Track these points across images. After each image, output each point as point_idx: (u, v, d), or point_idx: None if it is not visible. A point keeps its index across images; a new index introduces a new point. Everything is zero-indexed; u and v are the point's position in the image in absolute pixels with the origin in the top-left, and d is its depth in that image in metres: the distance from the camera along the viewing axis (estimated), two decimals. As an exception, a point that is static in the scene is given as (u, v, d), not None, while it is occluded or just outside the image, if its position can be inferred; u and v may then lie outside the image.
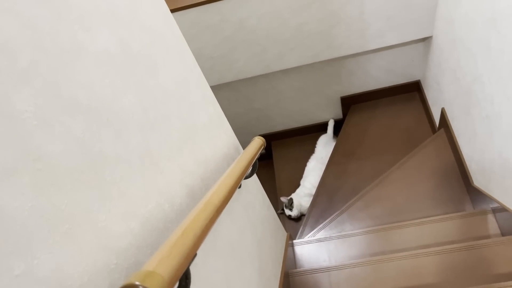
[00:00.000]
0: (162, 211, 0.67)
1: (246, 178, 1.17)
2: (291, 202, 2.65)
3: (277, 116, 2.85)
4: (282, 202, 2.72)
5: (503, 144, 1.56)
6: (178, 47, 0.88)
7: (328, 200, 2.50)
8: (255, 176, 1.46)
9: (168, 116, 0.75)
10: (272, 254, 1.48)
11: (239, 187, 1.16)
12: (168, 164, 0.72)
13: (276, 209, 2.89)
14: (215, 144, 1.02)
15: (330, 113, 2.88)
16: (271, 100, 2.69)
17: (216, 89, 2.54)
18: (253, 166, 1.18)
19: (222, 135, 1.10)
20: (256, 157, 1.17)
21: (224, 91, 2.58)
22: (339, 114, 2.90)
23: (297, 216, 2.64)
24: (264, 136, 3.03)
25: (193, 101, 0.91)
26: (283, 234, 1.83)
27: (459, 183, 2.09)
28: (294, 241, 1.99)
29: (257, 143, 1.21)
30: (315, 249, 1.94)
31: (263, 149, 1.25)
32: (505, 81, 1.43)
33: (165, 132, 0.73)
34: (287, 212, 2.65)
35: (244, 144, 3.02)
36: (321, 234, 2.17)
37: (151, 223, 0.62)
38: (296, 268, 1.88)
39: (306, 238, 2.10)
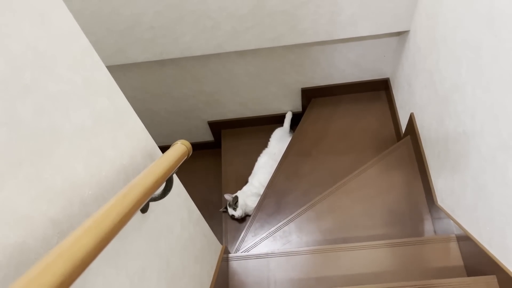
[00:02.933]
0: None
1: (155, 200, 0.85)
2: (235, 200, 2.36)
3: (229, 102, 2.52)
4: (226, 200, 2.42)
5: (479, 168, 1.32)
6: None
7: (276, 204, 2.22)
8: (179, 186, 1.14)
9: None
10: (194, 283, 1.17)
11: (145, 211, 0.84)
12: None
13: (218, 207, 2.61)
14: (102, 156, 0.68)
15: (288, 104, 2.59)
16: (224, 84, 2.36)
17: (159, 64, 2.18)
18: (167, 182, 0.86)
19: (121, 139, 0.77)
20: (174, 170, 0.84)
21: (168, 68, 2.21)
22: (298, 106, 2.60)
23: (240, 216, 2.36)
24: (214, 123, 2.70)
25: (57, 92, 0.57)
26: (216, 248, 1.53)
27: (421, 200, 1.87)
28: (230, 255, 1.70)
29: (179, 150, 0.88)
30: (253, 267, 1.66)
31: (186, 158, 0.93)
32: (494, 95, 1.17)
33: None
34: (231, 211, 2.36)
35: (189, 132, 2.68)
36: (264, 245, 1.90)
37: None
38: (228, 289, 1.59)
39: (242, 253, 1.81)
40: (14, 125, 0.47)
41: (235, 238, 2.36)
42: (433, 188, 1.78)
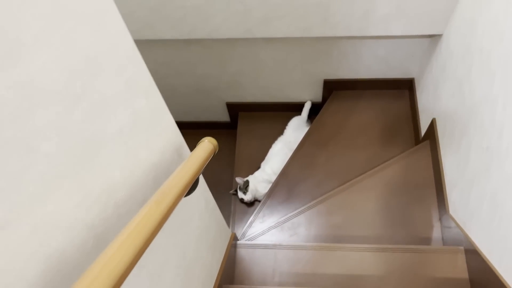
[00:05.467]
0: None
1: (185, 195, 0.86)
2: (246, 185, 2.38)
3: (250, 85, 2.50)
4: (236, 183, 2.44)
5: (500, 187, 1.31)
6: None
7: (287, 193, 2.24)
8: (200, 179, 1.15)
9: (32, 132, 0.42)
10: (205, 271, 1.20)
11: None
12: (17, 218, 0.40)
13: (229, 187, 2.64)
14: (136, 157, 0.69)
15: (309, 94, 2.57)
16: (247, 67, 2.34)
17: (186, 43, 2.16)
18: (194, 181, 0.87)
19: (153, 138, 0.77)
20: (202, 170, 0.85)
21: (194, 47, 2.19)
22: (318, 97, 2.58)
23: (249, 201, 2.38)
24: (232, 104, 2.70)
25: (102, 98, 0.57)
26: (226, 235, 1.56)
27: (434, 207, 1.87)
28: (238, 242, 1.72)
29: (206, 149, 0.89)
30: (260, 256, 1.69)
31: (213, 156, 0.93)
32: (527, 118, 1.16)
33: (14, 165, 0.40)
34: (240, 195, 2.38)
35: (207, 110, 2.68)
36: (271, 234, 1.92)
37: None
38: (234, 276, 1.63)
39: (251, 241, 1.84)
40: (63, 136, 0.48)
41: (243, 220, 2.39)
42: (447, 197, 1.78)
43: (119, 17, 0.62)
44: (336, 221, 1.93)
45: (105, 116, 0.58)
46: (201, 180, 1.15)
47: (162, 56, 2.26)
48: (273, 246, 1.71)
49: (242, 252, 1.70)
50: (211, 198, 1.29)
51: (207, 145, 0.91)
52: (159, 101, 0.81)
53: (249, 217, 2.37)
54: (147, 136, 0.74)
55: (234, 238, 1.67)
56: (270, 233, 1.95)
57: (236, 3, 1.75)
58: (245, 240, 1.94)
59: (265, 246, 1.71)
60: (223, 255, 1.46)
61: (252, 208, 2.44)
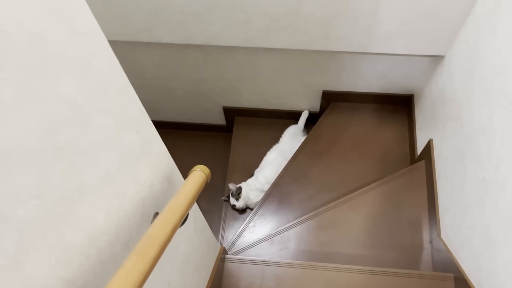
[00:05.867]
0: None
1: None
2: (239, 191, 2.36)
3: (247, 91, 2.47)
4: (229, 189, 2.42)
5: (493, 220, 1.29)
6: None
7: (279, 204, 2.22)
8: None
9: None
10: (190, 293, 1.18)
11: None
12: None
13: (220, 192, 2.61)
14: (123, 196, 0.66)
15: (306, 103, 2.54)
16: (245, 74, 2.30)
17: (184, 46, 2.12)
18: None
19: (143, 171, 0.74)
20: (193, 203, 0.82)
21: (192, 51, 2.15)
22: (316, 107, 2.56)
23: (241, 208, 2.36)
24: (228, 109, 2.66)
25: (89, 144, 0.54)
26: (214, 252, 1.53)
27: (425, 228, 1.86)
28: (227, 256, 1.70)
29: (199, 181, 0.86)
30: (248, 271, 1.67)
31: (205, 186, 0.91)
32: (525, 156, 1.14)
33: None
34: (232, 201, 2.36)
35: (203, 113, 2.64)
36: (260, 247, 1.91)
37: None
38: (220, 291, 1.61)
39: (239, 256, 1.81)
40: (44, 195, 0.45)
41: (233, 227, 2.37)
42: (439, 220, 1.77)
43: (112, 54, 0.58)
44: (326, 238, 1.91)
45: (91, 164, 0.54)
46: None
47: (159, 58, 2.21)
48: (262, 262, 1.69)
49: (229, 266, 1.68)
50: (201, 217, 1.27)
51: (199, 175, 0.88)
52: (150, 131, 0.77)
53: (240, 224, 2.35)
54: (136, 170, 0.71)
55: (223, 252, 1.65)
56: (259, 246, 1.93)
57: (238, 12, 1.72)
58: (234, 251, 1.92)
59: (253, 262, 1.69)
60: (210, 273, 1.43)
61: (243, 215, 2.42)
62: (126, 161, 0.66)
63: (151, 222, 0.80)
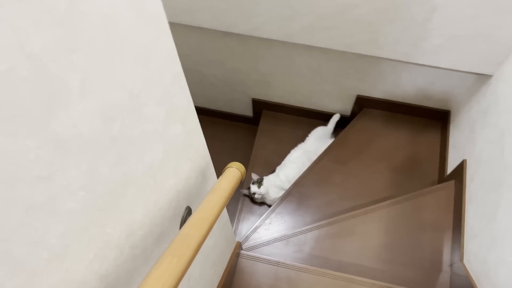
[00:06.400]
0: None
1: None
2: (261, 180, 2.33)
3: (279, 87, 2.43)
4: (250, 179, 2.39)
5: (525, 256, 1.24)
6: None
7: (297, 204, 2.18)
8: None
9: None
10: (205, 287, 1.16)
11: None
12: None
13: (239, 186, 2.60)
14: (162, 189, 0.64)
15: (339, 106, 2.48)
16: (280, 69, 2.26)
17: (223, 34, 2.08)
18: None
19: (182, 164, 0.71)
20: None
21: (230, 40, 2.12)
22: (347, 111, 2.50)
23: (260, 197, 2.32)
24: (258, 101, 2.63)
25: (139, 134, 0.51)
26: (231, 246, 1.51)
27: (447, 250, 1.80)
28: (242, 252, 1.68)
29: (234, 179, 0.82)
30: (261, 270, 1.64)
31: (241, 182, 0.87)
32: None
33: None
34: (253, 188, 2.31)
35: (231, 102, 2.62)
36: (275, 247, 1.88)
37: None
38: (231, 286, 1.58)
39: (253, 253, 1.78)
40: (91, 187, 0.42)
41: (248, 221, 2.35)
42: (464, 245, 1.71)
43: (172, 42, 0.55)
44: (343, 247, 1.87)
45: (138, 155, 0.52)
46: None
47: (196, 42, 2.18)
48: (276, 263, 1.66)
49: (243, 262, 1.66)
50: (224, 212, 1.24)
51: (234, 172, 0.85)
52: (194, 123, 0.74)
53: (255, 219, 2.33)
54: (176, 164, 0.68)
55: (239, 247, 1.63)
56: (274, 245, 1.90)
57: (285, 6, 1.67)
58: (249, 247, 1.90)
59: (268, 261, 1.66)
60: (224, 268, 1.41)
61: (259, 211, 2.39)
62: (169, 154, 0.63)
63: (182, 217, 0.78)
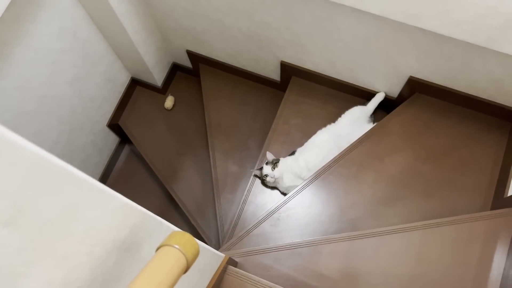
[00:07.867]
0: None
1: None
2: (276, 161, 1.98)
3: (315, 52, 1.97)
4: (265, 158, 2.04)
5: None
6: None
7: (314, 201, 1.82)
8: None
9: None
10: None
11: None
12: None
13: (253, 156, 2.26)
14: None
15: (384, 85, 2.02)
16: (319, 32, 1.80)
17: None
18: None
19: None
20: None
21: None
22: (394, 92, 2.04)
23: (272, 181, 1.98)
24: (288, 66, 2.17)
25: None
26: (216, 264, 1.18)
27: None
28: (230, 267, 1.35)
29: (174, 264, 0.47)
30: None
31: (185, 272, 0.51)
32: None
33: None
34: (266, 169, 1.98)
35: (256, 61, 2.19)
36: (271, 258, 1.55)
37: None
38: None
39: (252, 259, 1.46)
40: None
41: (254, 204, 2.03)
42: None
43: None
44: (361, 272, 1.52)
45: None
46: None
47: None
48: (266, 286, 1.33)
49: (228, 279, 1.34)
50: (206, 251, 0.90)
51: (175, 256, 0.48)
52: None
53: (263, 202, 2.02)
54: None
55: (229, 261, 1.30)
56: (278, 254, 1.58)
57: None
58: (245, 251, 1.58)
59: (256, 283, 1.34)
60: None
61: (269, 197, 2.05)
62: None
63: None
